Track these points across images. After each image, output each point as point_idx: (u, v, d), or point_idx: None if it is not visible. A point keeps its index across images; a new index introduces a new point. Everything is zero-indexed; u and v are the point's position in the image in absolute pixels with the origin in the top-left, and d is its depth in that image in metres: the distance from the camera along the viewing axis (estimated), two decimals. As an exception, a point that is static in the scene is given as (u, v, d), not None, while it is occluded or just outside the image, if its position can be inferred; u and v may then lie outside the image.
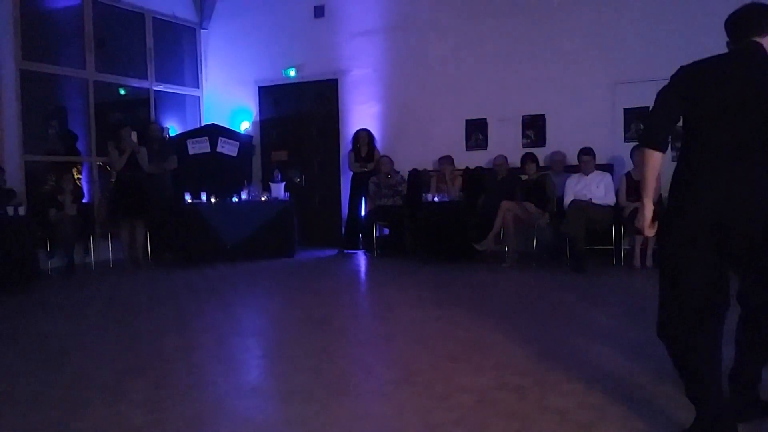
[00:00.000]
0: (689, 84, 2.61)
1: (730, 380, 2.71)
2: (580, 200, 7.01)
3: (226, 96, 10.32)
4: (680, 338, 2.48)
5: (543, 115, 8.30)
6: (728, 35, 2.72)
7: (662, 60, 7.45)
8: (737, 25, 2.66)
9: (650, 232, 2.60)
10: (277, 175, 9.13)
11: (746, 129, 2.46)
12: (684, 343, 2.47)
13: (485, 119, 8.63)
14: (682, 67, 2.70)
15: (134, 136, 8.06)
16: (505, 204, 7.39)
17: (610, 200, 7.12)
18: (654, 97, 2.75)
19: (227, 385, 3.38)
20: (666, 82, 2.70)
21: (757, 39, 2.61)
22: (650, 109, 2.66)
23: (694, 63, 2.67)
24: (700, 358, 2.43)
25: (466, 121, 8.72)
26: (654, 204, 2.66)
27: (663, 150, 2.61)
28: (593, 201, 7.01)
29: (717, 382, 2.42)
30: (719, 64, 2.62)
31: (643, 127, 2.74)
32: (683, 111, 2.59)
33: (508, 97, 8.42)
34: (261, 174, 10.02)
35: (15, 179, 7.68)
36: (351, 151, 9.13)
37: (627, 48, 7.72)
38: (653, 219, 2.59)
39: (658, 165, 2.60)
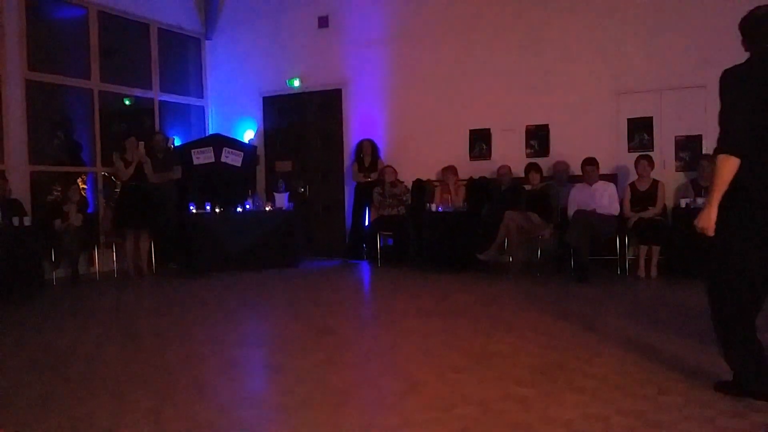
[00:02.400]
0: (746, 88, 2.77)
1: None
2: (584, 210, 7.00)
3: (230, 106, 10.37)
4: (733, 315, 2.91)
5: (547, 125, 8.30)
6: (743, 36, 2.84)
7: (665, 70, 7.48)
8: (752, 31, 2.85)
9: (712, 231, 2.89)
10: (281, 185, 9.16)
11: None
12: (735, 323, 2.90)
13: (489, 129, 8.65)
14: (727, 70, 2.84)
15: (141, 146, 8.08)
16: (509, 214, 7.40)
17: (614, 210, 7.10)
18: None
19: (231, 396, 3.38)
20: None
21: None
22: (723, 116, 2.82)
23: (736, 67, 2.83)
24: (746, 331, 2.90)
25: (470, 131, 8.73)
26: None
27: (741, 155, 2.78)
28: (597, 211, 7.00)
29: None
30: (757, 71, 2.79)
31: (723, 133, 2.81)
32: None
33: (511, 107, 8.43)
34: (265, 184, 10.04)
35: (21, 189, 7.72)
36: (354, 161, 9.15)
37: (630, 58, 7.72)
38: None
39: (734, 170, 2.79)
